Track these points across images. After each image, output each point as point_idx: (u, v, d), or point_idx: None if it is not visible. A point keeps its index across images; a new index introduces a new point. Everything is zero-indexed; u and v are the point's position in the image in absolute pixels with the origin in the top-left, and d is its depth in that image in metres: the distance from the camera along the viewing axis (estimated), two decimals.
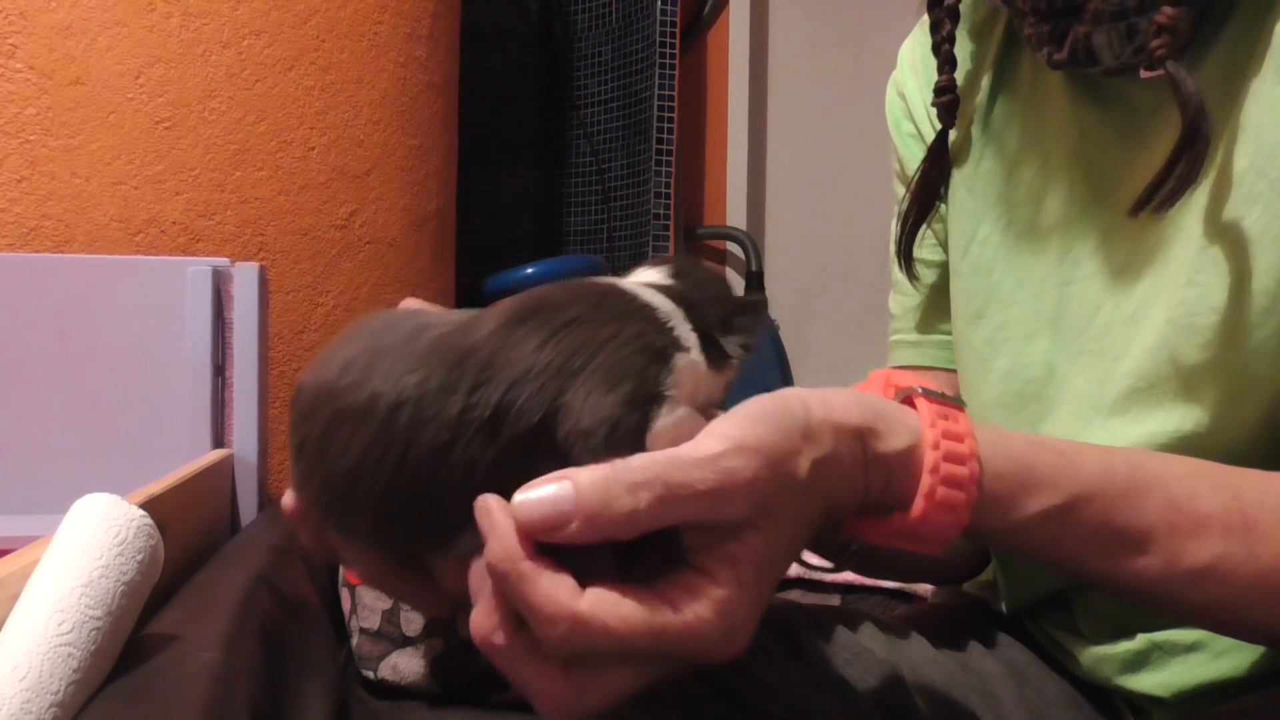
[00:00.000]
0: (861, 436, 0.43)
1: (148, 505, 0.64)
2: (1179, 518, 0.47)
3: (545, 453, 0.38)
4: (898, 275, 0.74)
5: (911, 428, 0.44)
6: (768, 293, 2.80)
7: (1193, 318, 0.54)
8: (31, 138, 1.43)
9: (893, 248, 0.74)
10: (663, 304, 0.42)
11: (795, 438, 0.40)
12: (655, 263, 0.47)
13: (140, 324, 1.26)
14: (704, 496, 0.37)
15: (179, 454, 1.18)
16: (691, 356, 0.41)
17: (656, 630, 0.37)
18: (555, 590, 0.36)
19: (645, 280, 0.45)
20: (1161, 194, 0.52)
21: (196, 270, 1.25)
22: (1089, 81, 0.61)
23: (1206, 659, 0.59)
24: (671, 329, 0.42)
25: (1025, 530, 0.46)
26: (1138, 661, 0.61)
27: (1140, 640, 0.61)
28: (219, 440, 1.25)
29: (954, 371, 0.72)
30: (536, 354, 0.38)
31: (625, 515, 0.37)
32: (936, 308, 0.74)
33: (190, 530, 0.96)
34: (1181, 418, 0.55)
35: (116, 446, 1.24)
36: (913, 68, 0.74)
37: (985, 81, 0.68)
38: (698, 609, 0.38)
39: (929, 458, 0.43)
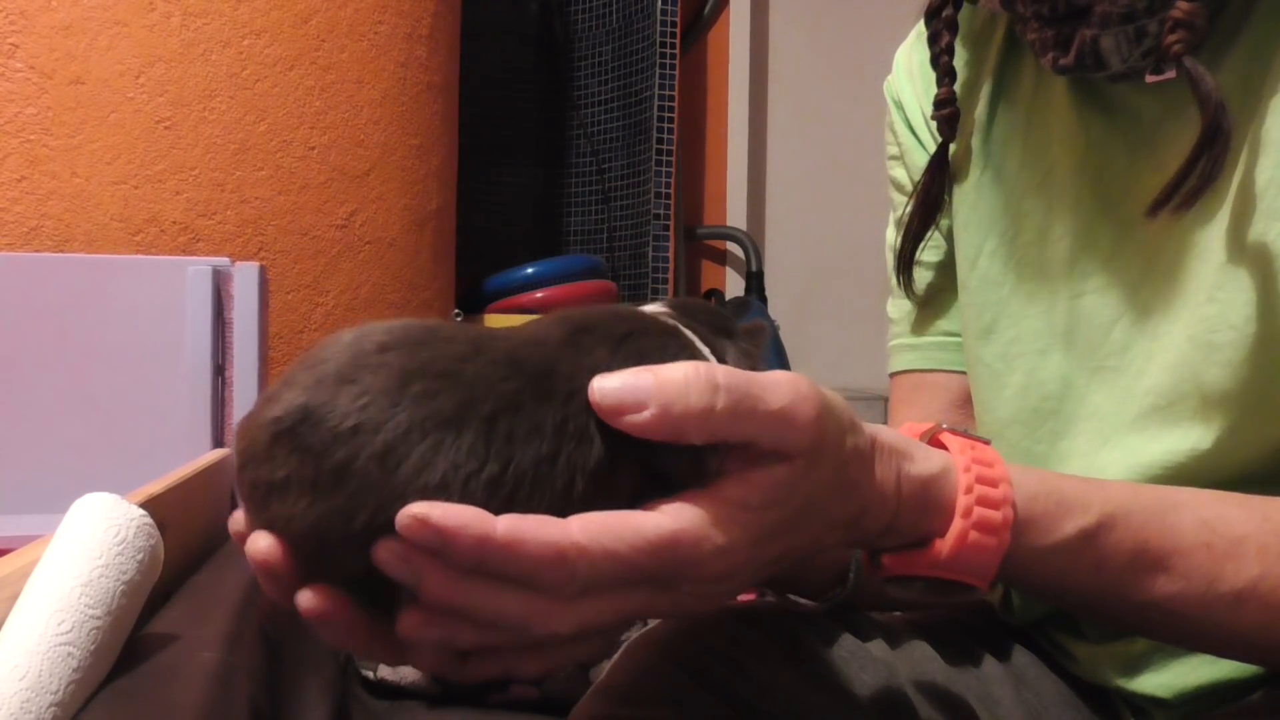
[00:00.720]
0: (896, 455, 0.43)
1: (148, 505, 0.64)
2: (1214, 539, 0.46)
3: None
4: (895, 281, 0.74)
5: (943, 456, 0.44)
6: (767, 293, 2.80)
7: (1213, 335, 0.53)
8: (32, 137, 1.43)
9: (889, 255, 0.74)
10: (682, 327, 0.44)
11: (845, 418, 0.41)
12: (654, 301, 0.48)
13: (140, 323, 1.26)
14: (774, 416, 0.37)
15: (179, 453, 1.18)
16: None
17: (655, 543, 0.36)
18: (543, 529, 0.34)
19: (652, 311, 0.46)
20: (1182, 193, 0.51)
21: (196, 270, 1.25)
22: (1094, 89, 0.61)
23: (1208, 660, 0.59)
24: (699, 347, 0.43)
25: (1064, 552, 0.45)
26: (1139, 662, 0.61)
27: (1142, 641, 0.61)
28: (219, 440, 1.25)
29: (957, 374, 0.72)
30: (609, 362, 0.38)
31: (701, 412, 0.36)
32: (935, 309, 0.73)
33: (190, 530, 0.96)
34: (1200, 436, 0.55)
35: (116, 446, 1.24)
36: (909, 74, 0.73)
37: (985, 90, 0.67)
38: (696, 518, 0.37)
39: (963, 480, 0.43)
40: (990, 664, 0.66)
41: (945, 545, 0.43)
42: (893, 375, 0.77)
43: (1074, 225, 0.62)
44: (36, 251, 1.41)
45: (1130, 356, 0.59)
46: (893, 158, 0.75)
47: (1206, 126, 0.50)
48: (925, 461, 0.44)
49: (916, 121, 0.73)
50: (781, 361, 2.54)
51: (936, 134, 0.67)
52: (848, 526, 0.42)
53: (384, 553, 0.33)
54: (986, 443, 0.46)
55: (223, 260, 1.28)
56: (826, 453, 0.39)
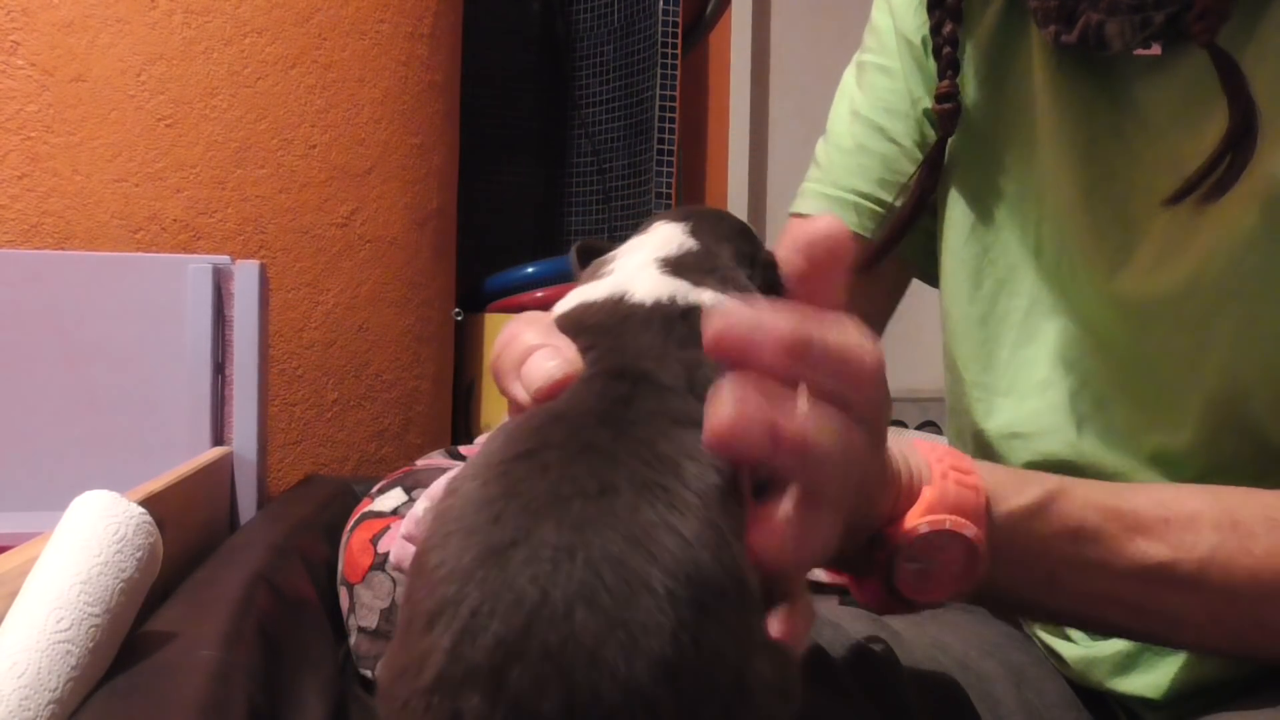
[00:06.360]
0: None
1: (147, 502, 0.64)
2: (1170, 512, 0.47)
3: None
4: (837, 126, 0.73)
5: (919, 453, 0.45)
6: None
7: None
8: (33, 134, 1.43)
9: (839, 129, 0.73)
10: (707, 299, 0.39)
11: None
12: (669, 217, 0.44)
13: (140, 321, 1.26)
14: (874, 367, 0.35)
15: (178, 451, 1.18)
16: None
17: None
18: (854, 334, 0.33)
19: (669, 247, 0.42)
20: (1207, 185, 0.52)
21: (197, 268, 1.25)
22: (1087, 60, 0.60)
23: (1195, 660, 0.59)
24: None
25: (1036, 516, 0.46)
26: (1127, 663, 0.61)
27: (1126, 642, 0.61)
28: (218, 438, 1.25)
29: (856, 235, 0.70)
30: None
31: (831, 345, 0.33)
32: (864, 169, 0.72)
33: (189, 528, 0.96)
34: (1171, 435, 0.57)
35: (116, 444, 1.24)
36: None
37: (975, 68, 0.67)
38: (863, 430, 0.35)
39: (937, 468, 0.44)
40: (992, 664, 0.66)
41: (932, 490, 0.43)
42: (793, 214, 0.76)
43: (1069, 209, 0.62)
44: (37, 249, 1.41)
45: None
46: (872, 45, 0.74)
47: (1236, 124, 0.51)
48: (909, 457, 0.45)
49: (907, 26, 0.71)
50: None
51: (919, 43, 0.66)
52: (859, 501, 0.41)
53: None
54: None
55: (223, 258, 1.28)
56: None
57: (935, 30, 0.65)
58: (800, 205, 0.75)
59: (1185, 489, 0.50)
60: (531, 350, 0.36)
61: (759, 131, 2.94)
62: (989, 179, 0.66)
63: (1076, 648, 0.64)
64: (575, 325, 0.38)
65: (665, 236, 0.42)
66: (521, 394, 0.36)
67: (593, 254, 0.46)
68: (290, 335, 1.58)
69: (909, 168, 0.70)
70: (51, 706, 0.49)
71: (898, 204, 0.70)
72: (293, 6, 1.56)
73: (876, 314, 0.77)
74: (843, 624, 0.63)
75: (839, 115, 0.74)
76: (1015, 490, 0.46)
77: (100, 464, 1.23)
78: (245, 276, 1.26)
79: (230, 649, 0.61)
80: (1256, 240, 0.54)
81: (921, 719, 0.60)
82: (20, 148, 1.42)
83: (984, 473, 0.45)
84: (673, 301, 0.38)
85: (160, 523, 0.62)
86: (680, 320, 0.37)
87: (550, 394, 0.35)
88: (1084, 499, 0.47)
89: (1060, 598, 0.48)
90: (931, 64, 0.68)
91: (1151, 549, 0.47)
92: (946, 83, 0.64)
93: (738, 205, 2.89)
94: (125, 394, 1.25)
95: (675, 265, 0.40)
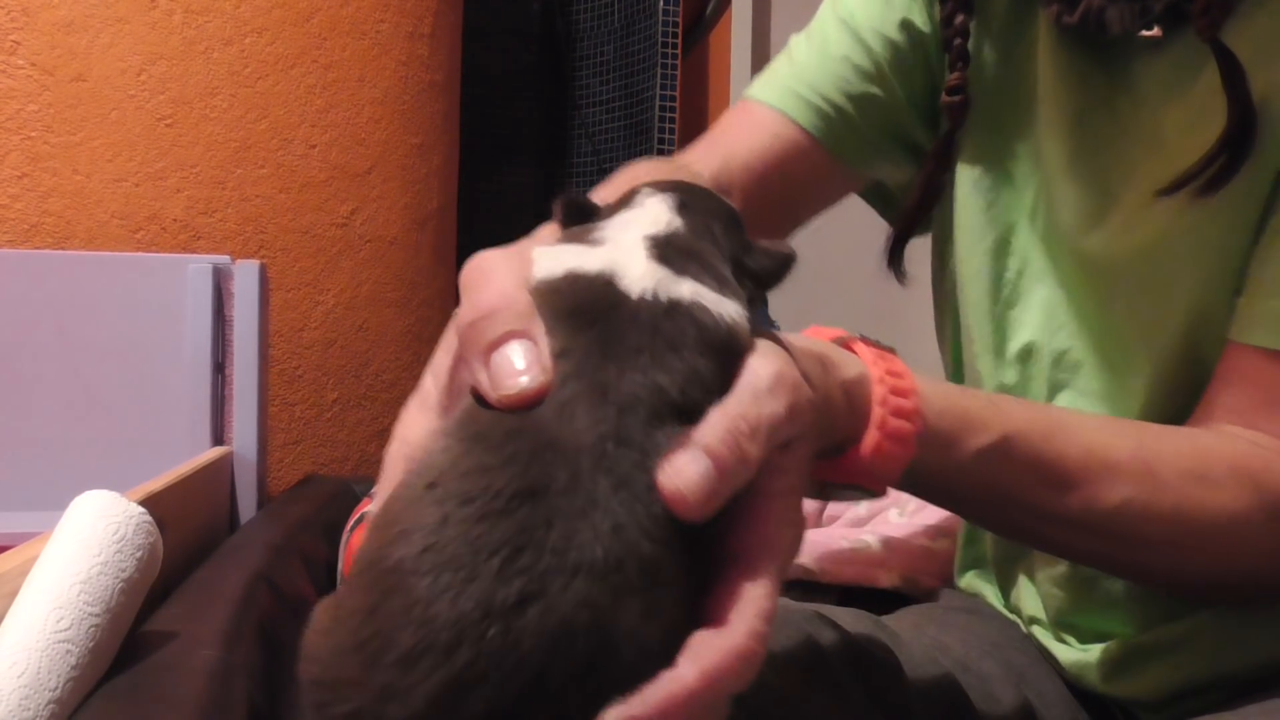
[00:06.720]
0: (823, 364, 0.44)
1: (147, 502, 0.64)
2: (1094, 461, 0.51)
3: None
4: (825, 30, 0.71)
5: (858, 362, 0.46)
6: (767, 293, 2.80)
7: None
8: (33, 134, 1.43)
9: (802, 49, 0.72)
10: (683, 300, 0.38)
11: (815, 369, 0.42)
12: (657, 188, 0.43)
13: (140, 321, 1.26)
14: (788, 419, 0.36)
15: (178, 451, 1.18)
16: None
17: (760, 603, 0.34)
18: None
19: (658, 225, 0.41)
20: (1206, 176, 0.53)
21: (197, 267, 1.25)
22: (1089, 37, 0.61)
23: (1185, 660, 0.59)
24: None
25: (962, 469, 0.48)
26: (1118, 667, 0.61)
27: (1117, 645, 0.61)
28: (218, 438, 1.25)
29: (797, 134, 0.70)
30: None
31: (752, 464, 0.34)
32: (840, 80, 0.70)
33: (189, 527, 0.96)
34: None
35: (116, 443, 1.24)
36: None
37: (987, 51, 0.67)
38: (777, 515, 0.36)
39: (876, 391, 0.45)
40: (992, 664, 0.66)
41: (859, 453, 0.44)
42: (752, 98, 0.74)
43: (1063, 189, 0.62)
44: (37, 248, 1.41)
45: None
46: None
47: (1234, 126, 0.52)
48: (845, 367, 0.45)
49: None
50: None
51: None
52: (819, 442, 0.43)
53: None
54: (893, 351, 0.48)
55: (223, 258, 1.28)
56: (820, 408, 0.40)
57: (946, 22, 0.65)
58: (764, 93, 0.72)
59: (1116, 435, 0.53)
60: (508, 338, 0.35)
61: None
62: (993, 138, 0.66)
63: (1070, 651, 0.65)
64: (560, 302, 0.37)
65: (655, 214, 0.42)
66: (486, 385, 0.35)
67: (579, 212, 0.45)
68: (290, 335, 1.58)
69: (877, 91, 0.70)
70: (51, 706, 0.49)
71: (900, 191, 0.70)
72: (293, 6, 1.56)
73: (812, 209, 0.77)
74: (843, 624, 0.63)
75: (826, 18, 0.72)
76: (951, 443, 0.47)
77: (100, 463, 1.23)
78: (245, 276, 1.26)
79: (230, 649, 0.61)
80: (1219, 211, 0.55)
81: (922, 718, 0.60)
82: (20, 148, 1.42)
83: (928, 412, 0.46)
84: (656, 297, 0.37)
85: (160, 523, 0.62)
86: (665, 318, 0.37)
87: (519, 407, 0.34)
88: (1011, 461, 0.49)
89: (968, 518, 0.54)
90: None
91: (1066, 500, 0.50)
92: (957, 75, 0.64)
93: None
94: (125, 394, 1.25)
95: (662, 247, 0.40)
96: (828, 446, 0.45)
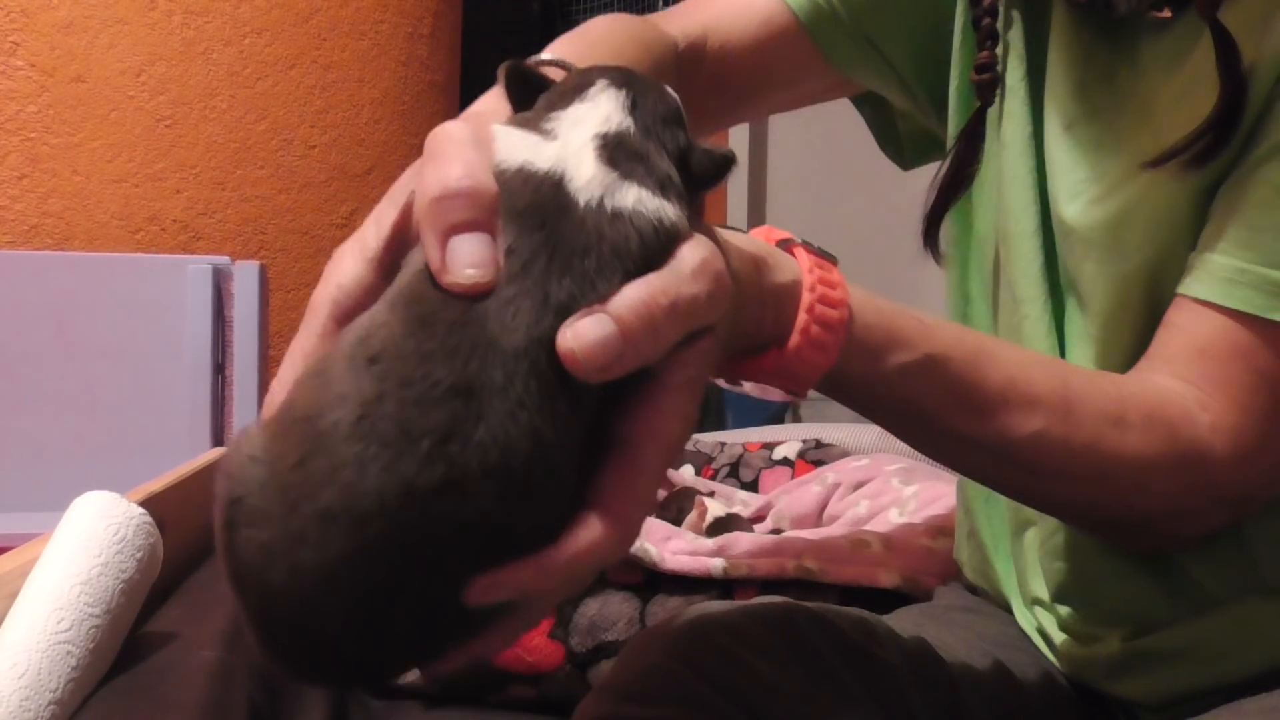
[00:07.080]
0: (757, 264, 0.45)
1: (147, 503, 0.64)
2: (1013, 393, 0.52)
3: None
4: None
5: (794, 267, 0.47)
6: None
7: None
8: (32, 135, 1.43)
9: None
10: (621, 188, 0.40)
11: (743, 260, 0.43)
12: (610, 79, 0.44)
13: (140, 321, 1.26)
14: (706, 305, 0.38)
15: (178, 452, 1.18)
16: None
17: (637, 489, 0.37)
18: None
19: (609, 124, 0.42)
20: (1194, 151, 0.54)
21: (197, 268, 1.25)
22: (1100, 14, 0.61)
23: (1191, 667, 0.59)
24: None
25: (884, 382, 0.49)
26: (1121, 668, 0.61)
27: (1119, 646, 0.61)
28: (219, 438, 1.25)
29: (786, 19, 0.69)
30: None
31: (663, 340, 0.36)
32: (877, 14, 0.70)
33: (189, 528, 0.96)
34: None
35: (116, 444, 1.24)
36: None
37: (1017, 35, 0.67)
38: (669, 406, 0.38)
39: (805, 298, 0.46)
40: (992, 663, 0.66)
41: (781, 354, 0.46)
42: None
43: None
44: (37, 249, 1.41)
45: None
46: None
47: (1226, 100, 0.52)
48: (780, 271, 0.46)
49: None
50: None
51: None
52: (731, 335, 0.44)
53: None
54: (835, 261, 0.49)
55: (223, 258, 1.28)
56: (737, 302, 0.41)
57: (974, 1, 0.65)
58: None
59: (1042, 371, 0.54)
60: (470, 226, 0.36)
61: (758, 130, 2.93)
62: (1008, 99, 0.67)
63: (1071, 650, 0.65)
64: (511, 201, 0.38)
65: (605, 112, 0.43)
66: (437, 263, 0.36)
67: (524, 83, 0.47)
68: (290, 335, 1.58)
69: (884, 14, 0.69)
70: (52, 707, 0.49)
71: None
72: (293, 7, 1.57)
73: (780, 101, 0.77)
74: (843, 624, 0.63)
75: None
76: (873, 357, 0.48)
77: (100, 464, 1.23)
78: (245, 277, 1.26)
79: (230, 649, 0.61)
80: (1193, 186, 0.56)
81: (922, 719, 0.60)
82: (20, 148, 1.42)
83: (856, 324, 0.47)
84: (601, 205, 0.39)
85: (160, 523, 0.62)
86: (609, 225, 0.38)
87: (464, 296, 0.36)
88: (932, 381, 0.50)
89: (882, 425, 0.54)
90: None
91: (982, 425, 0.51)
92: (986, 53, 0.64)
93: (738, 204, 2.89)
94: (125, 394, 1.25)
95: (611, 149, 0.41)
96: (750, 346, 0.46)
